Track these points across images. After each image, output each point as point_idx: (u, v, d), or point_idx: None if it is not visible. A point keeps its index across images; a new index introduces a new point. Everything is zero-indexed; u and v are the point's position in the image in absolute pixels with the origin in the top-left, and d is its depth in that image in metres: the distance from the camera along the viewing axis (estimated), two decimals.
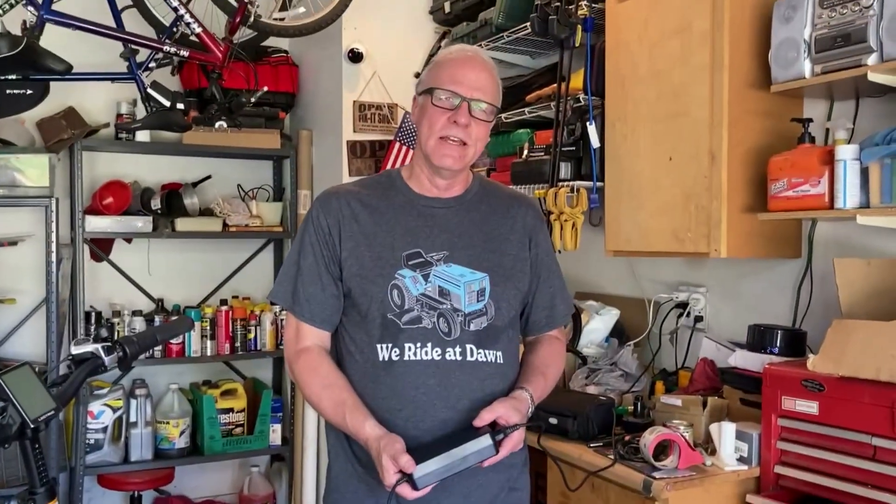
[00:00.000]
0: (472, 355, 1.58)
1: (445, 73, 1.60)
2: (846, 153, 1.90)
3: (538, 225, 1.76)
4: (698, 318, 2.58)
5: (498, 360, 1.63)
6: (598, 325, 2.69)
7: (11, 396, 1.29)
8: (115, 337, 3.29)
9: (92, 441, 3.29)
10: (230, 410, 3.53)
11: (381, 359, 1.58)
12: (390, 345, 1.57)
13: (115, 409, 3.32)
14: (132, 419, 3.37)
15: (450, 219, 1.66)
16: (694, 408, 2.14)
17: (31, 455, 1.36)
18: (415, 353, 1.57)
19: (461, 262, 1.62)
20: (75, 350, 1.49)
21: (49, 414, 1.34)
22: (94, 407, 3.29)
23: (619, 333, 2.76)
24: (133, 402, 3.37)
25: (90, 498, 3.47)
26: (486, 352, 1.61)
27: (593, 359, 2.61)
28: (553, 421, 2.22)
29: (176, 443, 3.44)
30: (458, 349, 1.58)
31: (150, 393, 3.42)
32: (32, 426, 1.33)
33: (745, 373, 2.13)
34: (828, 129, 2.17)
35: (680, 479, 1.89)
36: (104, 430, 3.30)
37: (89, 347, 1.47)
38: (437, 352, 1.57)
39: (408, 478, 1.43)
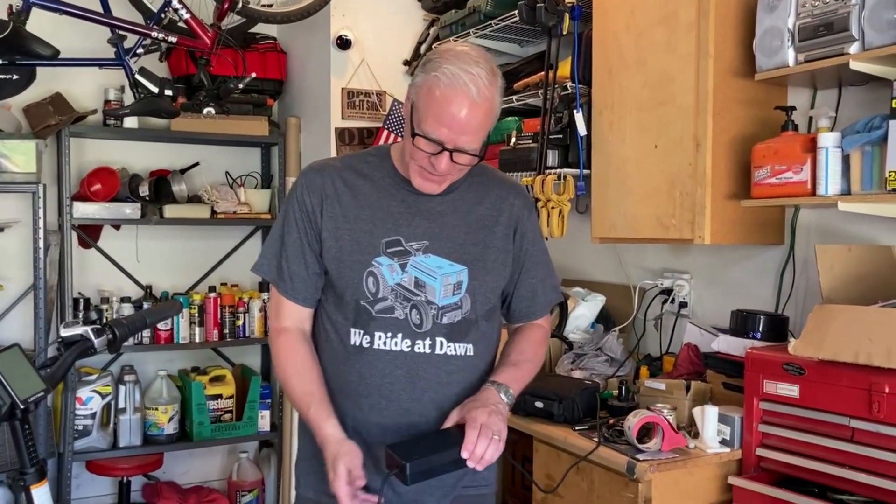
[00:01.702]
0: (440, 348, 1.57)
1: (433, 109, 1.46)
2: (828, 141, 1.93)
3: (526, 214, 1.70)
4: (682, 305, 2.61)
5: (468, 353, 1.61)
6: (584, 312, 2.72)
7: (1, 377, 1.30)
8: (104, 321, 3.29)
9: (80, 427, 3.29)
10: (219, 397, 3.55)
11: (352, 343, 1.58)
12: (362, 331, 1.57)
13: (103, 396, 3.33)
14: (121, 405, 3.38)
15: (433, 207, 1.61)
16: (677, 392, 2.17)
17: (21, 436, 1.37)
18: (385, 343, 1.56)
19: (441, 253, 1.58)
20: (65, 332, 1.50)
21: (39, 395, 1.35)
22: (83, 393, 3.29)
23: (605, 319, 2.79)
24: (122, 389, 3.37)
25: (79, 484, 3.48)
26: (457, 345, 1.59)
27: (579, 344, 2.64)
28: (539, 405, 2.25)
29: (165, 429, 3.45)
30: (427, 342, 1.56)
31: (138, 379, 3.43)
32: (22, 407, 1.34)
33: (728, 357, 2.16)
34: (811, 118, 2.20)
35: (663, 461, 1.93)
36: (93, 416, 3.31)
37: (79, 330, 1.49)
38: (406, 343, 1.56)
39: (399, 471, 1.42)
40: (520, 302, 1.72)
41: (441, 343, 1.57)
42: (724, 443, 2.01)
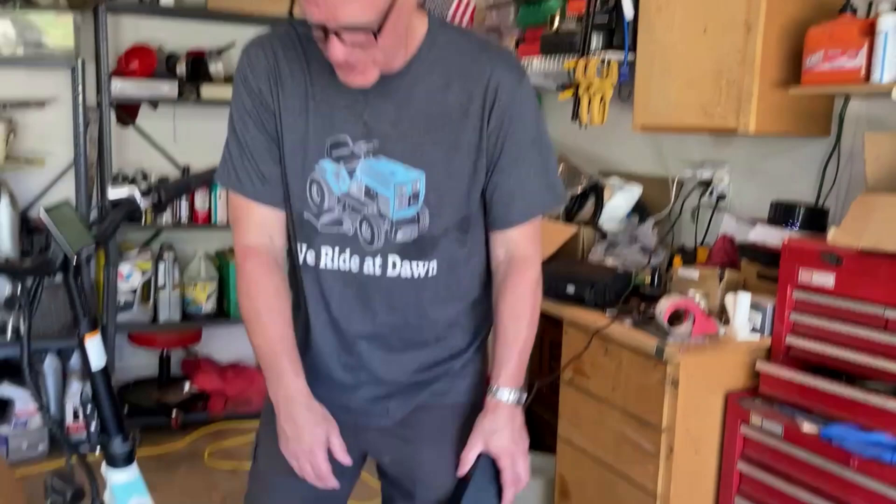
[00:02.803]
0: (393, 269, 1.34)
1: None
2: (889, 24, 1.85)
3: (511, 94, 1.30)
4: (721, 197, 2.58)
5: (431, 273, 1.35)
6: (619, 202, 2.71)
7: (55, 229, 1.34)
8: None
9: (122, 302, 3.41)
10: None
11: (300, 260, 1.38)
12: (306, 245, 1.36)
13: (143, 272, 3.43)
14: (160, 282, 3.48)
15: (386, 98, 1.27)
16: (710, 280, 2.18)
17: (74, 288, 1.42)
18: (332, 260, 1.35)
19: (394, 156, 1.29)
20: (112, 193, 1.53)
21: (89, 249, 1.39)
22: (124, 268, 3.39)
23: (641, 210, 2.77)
24: (161, 266, 3.46)
25: (122, 356, 3.63)
26: (414, 263, 1.34)
27: (613, 234, 2.64)
28: (570, 289, 2.28)
29: (203, 306, 3.56)
30: (378, 261, 1.33)
31: (177, 257, 3.52)
32: (74, 259, 1.38)
33: (764, 248, 2.15)
34: (871, 2, 2.10)
35: (692, 345, 1.95)
36: (133, 291, 3.42)
37: (125, 190, 1.52)
38: (355, 261, 1.34)
39: None
40: (497, 207, 1.36)
41: (394, 263, 1.34)
42: (754, 330, 2.03)
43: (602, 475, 2.17)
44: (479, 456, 1.35)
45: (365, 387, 1.42)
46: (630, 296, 2.26)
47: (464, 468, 1.36)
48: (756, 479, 1.92)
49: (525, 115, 1.32)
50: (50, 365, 3.40)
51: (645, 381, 2.01)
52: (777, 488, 1.86)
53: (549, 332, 2.58)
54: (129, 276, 3.41)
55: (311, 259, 1.36)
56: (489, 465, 1.36)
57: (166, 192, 1.53)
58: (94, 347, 1.44)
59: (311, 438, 1.32)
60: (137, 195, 1.51)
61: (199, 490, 3.11)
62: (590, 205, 2.72)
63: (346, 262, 1.34)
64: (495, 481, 1.36)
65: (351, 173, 1.30)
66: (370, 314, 1.37)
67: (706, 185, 2.62)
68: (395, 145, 1.28)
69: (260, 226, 1.35)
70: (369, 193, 1.30)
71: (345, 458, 1.34)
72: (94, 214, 3.39)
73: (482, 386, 1.45)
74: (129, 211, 1.52)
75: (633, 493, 2.05)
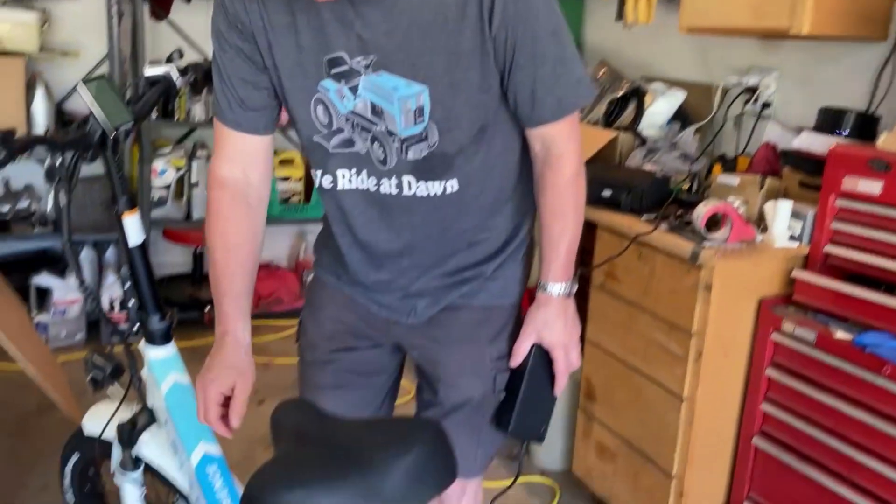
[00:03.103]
0: (409, 189, 1.30)
1: None
2: None
3: None
4: (766, 105, 2.51)
5: (450, 190, 1.31)
6: (661, 108, 2.64)
7: (93, 102, 1.33)
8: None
9: (156, 198, 3.44)
10: (288, 178, 3.64)
11: (320, 185, 1.36)
12: (321, 171, 1.34)
13: (177, 169, 3.44)
14: (194, 179, 3.49)
15: (375, 4, 1.17)
16: (751, 187, 2.14)
17: (112, 164, 1.42)
18: (349, 182, 1.32)
19: (394, 70, 1.20)
20: (149, 72, 1.51)
21: (127, 125, 1.39)
22: (158, 164, 3.41)
23: (682, 117, 2.71)
24: (194, 164, 3.48)
25: (156, 251, 3.69)
26: (430, 183, 1.30)
27: (653, 140, 2.58)
28: (606, 193, 2.25)
29: None
30: (393, 181, 1.29)
31: (210, 154, 3.52)
32: (112, 135, 1.38)
33: (809, 155, 2.09)
34: None
35: (728, 250, 1.93)
36: (167, 187, 3.44)
37: (163, 69, 1.50)
38: (371, 182, 1.30)
39: (531, 438, 1.43)
40: (522, 106, 1.28)
41: (409, 183, 1.29)
42: (792, 238, 2.00)
43: (629, 378, 2.18)
44: (532, 346, 1.37)
45: (394, 291, 1.43)
46: (667, 202, 2.22)
47: (516, 360, 1.38)
48: (785, 385, 1.92)
49: (535, 5, 1.20)
50: (86, 257, 3.47)
51: (678, 286, 2.00)
52: (806, 394, 1.86)
53: (580, 239, 2.56)
54: (163, 172, 3.43)
55: (327, 183, 1.34)
56: (542, 355, 1.38)
57: (202, 72, 1.51)
58: (133, 225, 1.45)
59: (213, 377, 1.31)
60: (174, 73, 1.49)
61: None
62: (630, 110, 2.65)
63: (363, 182, 1.31)
64: (548, 370, 1.39)
65: (354, 91, 1.23)
66: (395, 232, 1.35)
67: (751, 92, 2.54)
68: (393, 58, 1.20)
69: (234, 156, 1.33)
70: (375, 111, 1.24)
71: (234, 423, 1.32)
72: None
73: (516, 287, 1.46)
74: (165, 89, 1.50)
75: (660, 395, 2.07)
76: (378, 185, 1.30)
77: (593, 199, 2.28)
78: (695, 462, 2.03)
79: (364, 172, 1.30)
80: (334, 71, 1.23)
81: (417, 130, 1.24)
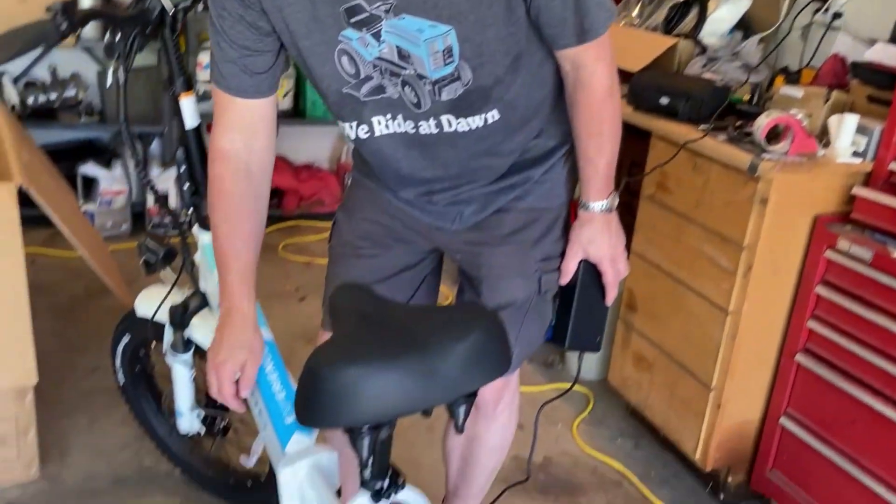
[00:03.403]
0: (449, 126, 1.27)
1: None
2: None
3: None
4: (837, 15, 2.39)
5: (491, 121, 1.29)
6: (724, 14, 2.53)
7: None
8: None
9: (200, 92, 3.42)
10: None
11: (353, 137, 1.33)
12: (356, 123, 1.30)
13: None
14: None
15: None
16: (815, 100, 2.06)
17: (170, 44, 1.40)
18: (386, 126, 1.29)
19: (416, 13, 1.15)
20: None
21: (186, 2, 1.36)
22: (202, 58, 3.38)
23: (746, 26, 2.60)
24: None
25: None
26: (472, 118, 1.28)
27: (714, 49, 2.49)
28: (664, 101, 2.18)
29: (279, 103, 3.54)
30: (432, 122, 1.27)
31: None
32: (171, 13, 1.35)
33: (881, 67, 2.00)
34: None
35: (788, 162, 1.87)
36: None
37: None
38: (409, 125, 1.28)
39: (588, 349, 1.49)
40: (546, 30, 1.25)
41: (448, 121, 1.27)
42: (856, 154, 1.93)
43: (673, 290, 2.17)
44: (580, 263, 1.41)
45: (439, 201, 1.43)
46: (726, 112, 2.15)
47: (566, 278, 1.42)
48: (834, 304, 1.89)
49: None
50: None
51: (732, 198, 1.95)
52: (856, 313, 1.83)
53: (630, 151, 2.50)
54: (208, 66, 3.39)
55: (363, 133, 1.30)
56: (590, 270, 1.41)
57: None
58: (189, 107, 1.45)
59: (225, 356, 1.32)
60: None
61: (275, 277, 3.25)
62: (692, 16, 2.55)
63: (400, 126, 1.28)
64: (598, 283, 1.43)
65: (377, 37, 1.18)
66: (440, 165, 1.35)
67: (822, 1, 2.41)
68: (413, 0, 1.14)
69: (235, 126, 1.28)
70: (402, 55, 1.19)
71: (244, 394, 1.35)
72: None
73: (563, 189, 1.44)
74: None
75: (705, 307, 2.06)
76: (416, 127, 1.28)
77: (649, 107, 2.22)
78: (735, 375, 2.03)
79: (400, 117, 1.28)
80: (353, 20, 1.17)
81: (448, 71, 1.21)
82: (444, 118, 1.26)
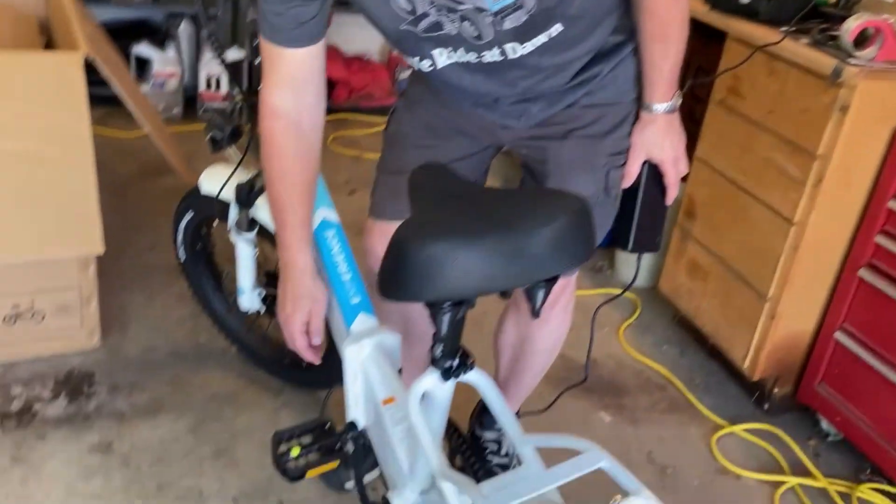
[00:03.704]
0: (514, 52, 1.25)
1: None
2: None
3: None
4: None
5: (555, 34, 1.24)
6: None
7: None
8: None
9: None
10: None
11: (417, 69, 1.34)
12: (419, 58, 1.29)
13: None
14: None
15: None
16: None
17: None
18: (448, 57, 1.27)
19: None
20: None
21: None
22: None
23: None
24: None
25: None
26: (535, 40, 1.23)
27: None
28: (743, 0, 2.08)
29: None
30: (496, 51, 1.24)
31: None
32: None
33: None
34: None
35: (875, 69, 1.79)
36: None
37: None
38: (472, 55, 1.26)
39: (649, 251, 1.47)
40: None
41: (514, 48, 1.24)
42: None
43: (736, 198, 2.13)
44: (643, 165, 1.40)
45: (507, 103, 1.40)
46: (810, 15, 2.05)
47: (628, 180, 1.41)
48: None
49: None
50: (184, 31, 3.45)
51: (810, 106, 1.88)
52: None
53: (698, 54, 2.41)
54: None
55: (427, 66, 1.30)
56: (652, 171, 1.40)
57: None
58: None
59: (290, 309, 1.40)
60: None
61: (325, 170, 3.21)
62: None
63: (462, 56, 1.27)
64: (659, 183, 1.42)
65: None
66: (508, 84, 1.33)
67: None
68: None
69: (286, 80, 1.27)
70: None
71: (315, 341, 1.44)
72: None
73: (631, 85, 1.40)
74: None
75: (768, 217, 2.02)
76: (480, 57, 1.26)
77: (727, 6, 2.13)
78: (793, 287, 2.01)
79: (461, 49, 1.25)
80: None
81: (509, 1, 1.14)
82: (507, 46, 1.24)
